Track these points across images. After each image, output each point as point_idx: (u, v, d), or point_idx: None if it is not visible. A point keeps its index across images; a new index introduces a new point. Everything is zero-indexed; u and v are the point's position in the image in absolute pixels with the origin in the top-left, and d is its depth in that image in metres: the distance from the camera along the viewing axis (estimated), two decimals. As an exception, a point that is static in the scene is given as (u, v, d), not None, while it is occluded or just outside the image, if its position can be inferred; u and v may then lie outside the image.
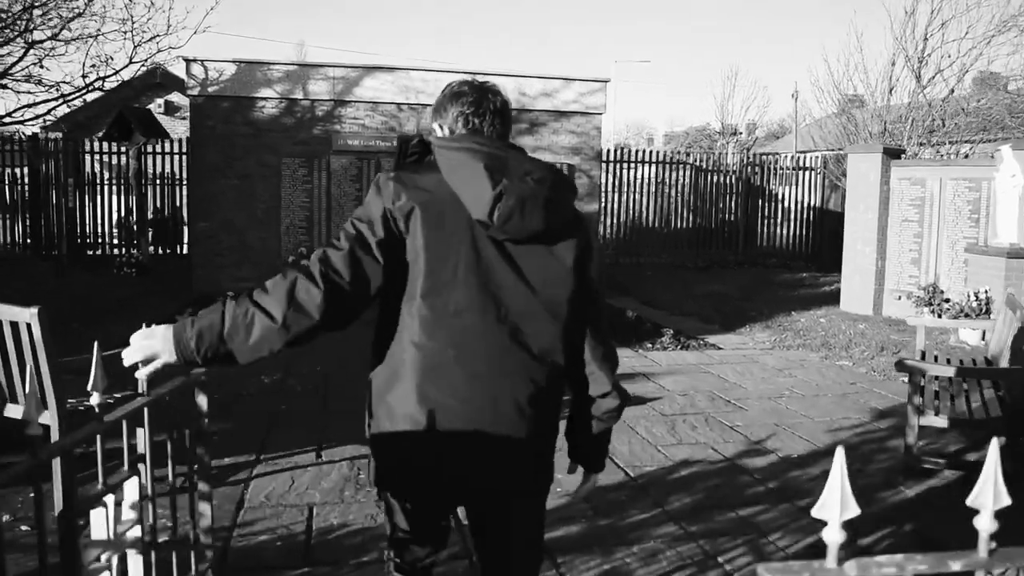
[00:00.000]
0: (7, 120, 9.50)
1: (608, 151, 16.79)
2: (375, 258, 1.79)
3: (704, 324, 10.46)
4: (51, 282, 12.37)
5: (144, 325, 1.90)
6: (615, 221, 17.24)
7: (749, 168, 18.37)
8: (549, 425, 1.95)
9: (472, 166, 1.78)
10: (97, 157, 15.38)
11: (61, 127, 18.56)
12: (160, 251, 15.39)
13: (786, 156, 19.57)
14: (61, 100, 9.68)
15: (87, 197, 15.34)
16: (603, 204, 15.34)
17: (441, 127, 1.97)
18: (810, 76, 44.36)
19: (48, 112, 9.64)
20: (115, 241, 15.53)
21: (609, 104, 12.86)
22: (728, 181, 18.28)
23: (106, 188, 15.51)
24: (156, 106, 20.14)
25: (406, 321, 1.84)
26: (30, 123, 9.74)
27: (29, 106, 9.67)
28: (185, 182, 14.56)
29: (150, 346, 1.82)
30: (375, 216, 1.81)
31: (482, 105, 1.92)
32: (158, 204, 15.57)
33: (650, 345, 8.65)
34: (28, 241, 15.13)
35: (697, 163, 18.24)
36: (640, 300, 12.62)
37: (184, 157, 14.57)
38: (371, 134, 11.98)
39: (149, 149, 14.89)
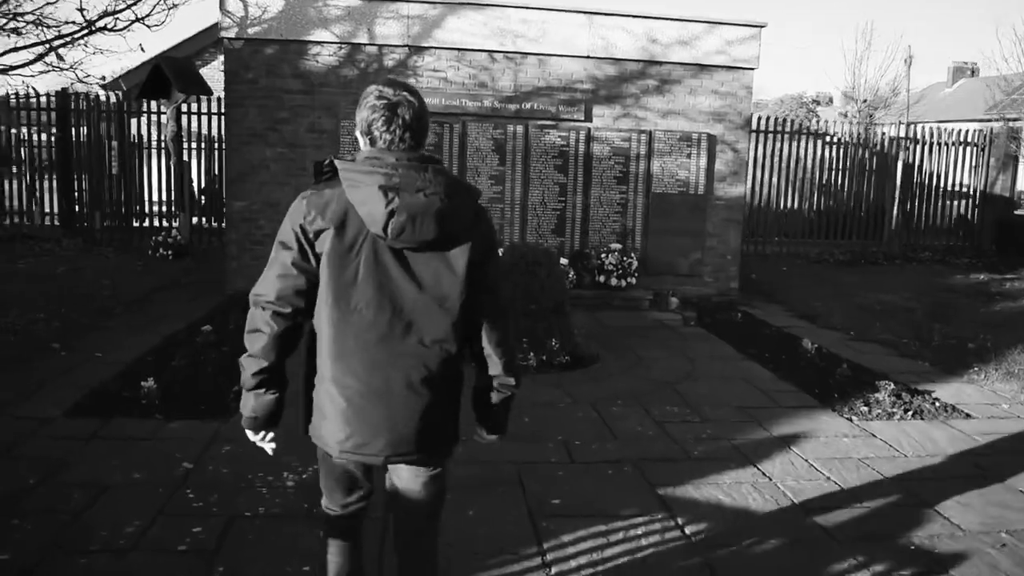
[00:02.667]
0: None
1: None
2: (297, 272, 2.18)
3: (904, 359, 7.51)
4: (65, 264, 10.14)
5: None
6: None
7: (889, 142, 14.96)
8: (444, 401, 2.31)
9: (368, 186, 2.07)
10: (150, 118, 13.07)
11: (120, 85, 16.46)
12: (212, 224, 12.96)
13: (944, 129, 15.96)
14: (59, 41, 7.30)
15: (138, 162, 13.06)
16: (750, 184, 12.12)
17: (357, 130, 2.23)
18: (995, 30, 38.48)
19: (40, 58, 7.28)
20: (164, 211, 13.20)
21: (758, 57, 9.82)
22: (863, 156, 14.90)
23: (154, 153, 13.22)
24: (220, 64, 17.80)
25: (322, 316, 2.20)
26: (17, 71, 7.32)
27: (14, 50, 7.29)
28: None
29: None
30: (288, 236, 2.18)
31: (392, 121, 2.14)
32: (202, 172, 13.21)
33: (864, 408, 5.79)
34: (55, 212, 12.99)
35: (831, 135, 14.79)
36: (790, 310, 9.73)
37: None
38: (455, 90, 9.29)
39: (190, 109, 12.51)
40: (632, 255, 9.61)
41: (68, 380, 5.74)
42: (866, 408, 5.79)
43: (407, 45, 9.11)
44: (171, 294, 9.03)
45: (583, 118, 9.54)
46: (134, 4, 7.74)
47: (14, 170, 13.29)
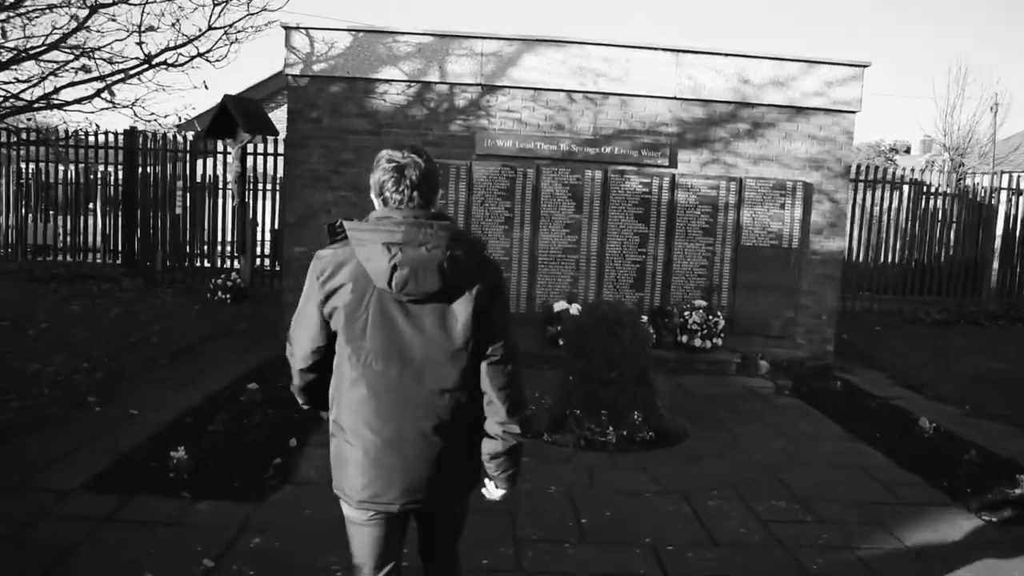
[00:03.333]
0: (37, 103, 6.81)
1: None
2: (318, 327, 2.33)
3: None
4: (121, 306, 9.77)
5: None
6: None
7: (987, 192, 13.73)
8: (457, 448, 2.34)
9: (373, 243, 2.19)
10: (215, 159, 12.85)
11: (195, 126, 16.45)
12: (276, 267, 12.51)
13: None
14: (115, 77, 6.95)
15: (207, 203, 12.79)
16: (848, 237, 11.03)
17: (372, 192, 2.34)
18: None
19: (97, 94, 6.92)
20: (228, 253, 12.85)
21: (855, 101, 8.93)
22: (958, 206, 13.68)
23: (220, 194, 12.94)
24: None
25: (338, 369, 2.34)
26: (74, 107, 6.98)
27: (70, 85, 6.94)
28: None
29: None
30: (312, 291, 2.30)
31: (401, 183, 2.26)
32: (267, 214, 12.86)
33: (1008, 510, 4.82)
34: (118, 250, 12.79)
35: (929, 185, 13.61)
36: (892, 377, 8.73)
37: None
38: (529, 132, 8.66)
39: (255, 149, 12.22)
40: (718, 313, 8.74)
41: (97, 445, 5.18)
42: (1010, 510, 4.79)
43: (480, 84, 8.55)
44: (223, 343, 8.52)
45: (667, 163, 8.79)
46: (196, 39, 7.33)
47: (88, 207, 13.21)
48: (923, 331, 11.65)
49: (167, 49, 7.35)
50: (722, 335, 8.73)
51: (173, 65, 7.52)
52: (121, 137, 12.59)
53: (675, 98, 8.75)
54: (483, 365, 2.33)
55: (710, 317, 8.66)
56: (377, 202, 2.33)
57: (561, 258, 8.75)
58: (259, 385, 6.27)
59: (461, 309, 2.28)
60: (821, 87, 8.83)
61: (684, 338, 8.68)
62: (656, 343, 8.55)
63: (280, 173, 12.34)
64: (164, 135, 12.25)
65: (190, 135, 12.98)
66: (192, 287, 11.71)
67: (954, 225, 13.74)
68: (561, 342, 7.25)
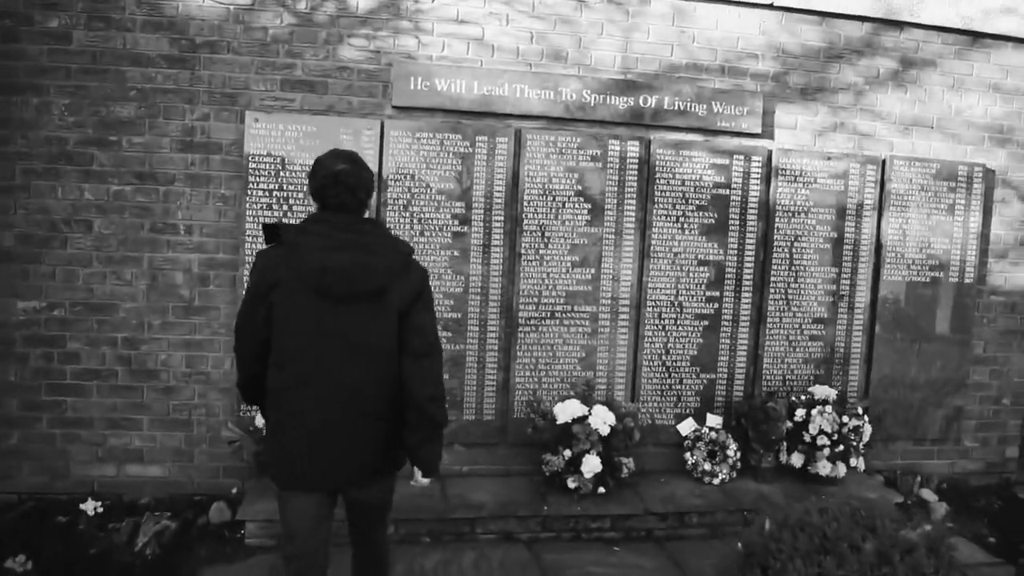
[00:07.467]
0: None
1: None
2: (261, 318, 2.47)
3: None
4: None
5: None
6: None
7: None
8: (374, 434, 2.51)
9: (304, 247, 2.41)
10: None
11: None
12: None
13: None
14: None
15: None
16: None
17: (312, 195, 2.54)
18: None
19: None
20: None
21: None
22: None
23: None
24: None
25: (274, 356, 2.48)
26: None
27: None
28: None
29: None
30: (255, 287, 2.46)
31: (335, 186, 2.47)
32: None
33: None
34: None
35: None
36: None
37: None
38: (502, 64, 4.46)
39: None
40: (859, 411, 4.68)
41: None
42: None
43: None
44: None
45: (758, 128, 4.69)
46: None
47: None
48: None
49: None
50: (864, 451, 4.69)
51: None
52: None
53: (771, 5, 4.66)
54: (406, 362, 2.49)
55: (845, 419, 4.59)
56: (316, 206, 2.54)
57: (563, 312, 4.53)
58: None
59: (386, 308, 2.46)
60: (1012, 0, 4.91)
61: (793, 457, 4.60)
62: (739, 465, 4.51)
63: None
64: None
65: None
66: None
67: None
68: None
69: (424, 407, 2.48)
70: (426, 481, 2.65)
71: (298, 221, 2.49)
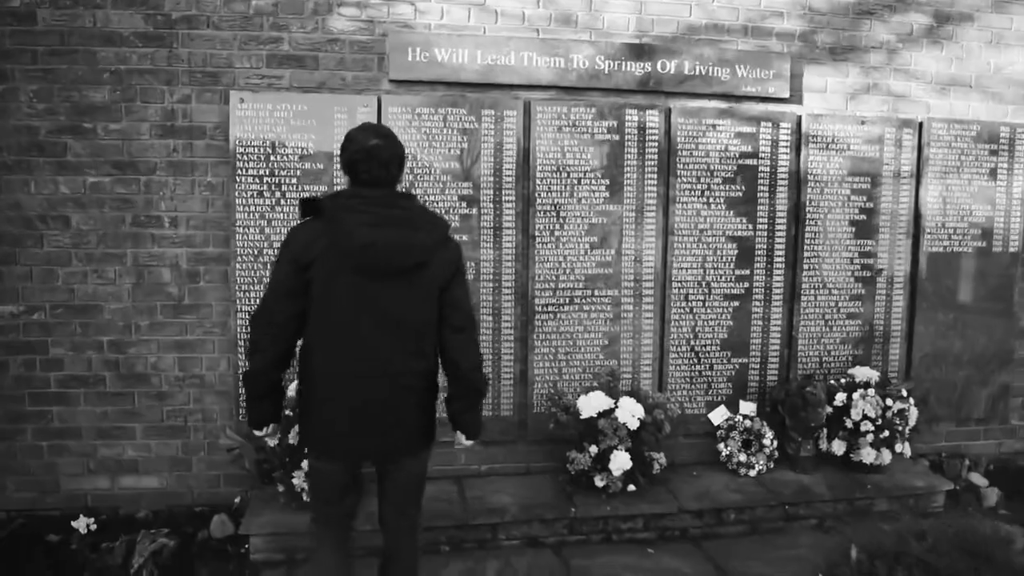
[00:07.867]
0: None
1: None
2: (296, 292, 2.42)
3: None
4: None
5: None
6: None
7: None
8: (415, 409, 2.53)
9: (345, 223, 2.36)
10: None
11: None
12: None
13: None
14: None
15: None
16: None
17: (343, 168, 2.50)
18: None
19: None
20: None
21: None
22: None
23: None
24: None
25: (312, 331, 2.45)
26: None
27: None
28: None
29: None
30: (288, 262, 2.41)
31: (369, 162, 2.42)
32: None
33: None
34: None
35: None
36: None
37: None
38: (507, 31, 4.11)
39: None
40: (903, 393, 4.35)
41: None
42: None
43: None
44: None
45: (785, 93, 4.34)
46: None
47: None
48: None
49: None
50: (909, 436, 4.37)
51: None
52: None
53: (797, -42, 4.31)
54: (448, 334, 2.53)
55: (888, 403, 4.26)
56: (348, 179, 2.48)
57: (583, 297, 4.20)
58: None
59: (426, 284, 2.45)
60: (1056, -60, 4.54)
61: (834, 444, 4.29)
62: (776, 455, 4.21)
63: None
64: None
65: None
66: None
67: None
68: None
69: (468, 377, 2.56)
70: (470, 442, 2.72)
71: (329, 197, 2.44)
